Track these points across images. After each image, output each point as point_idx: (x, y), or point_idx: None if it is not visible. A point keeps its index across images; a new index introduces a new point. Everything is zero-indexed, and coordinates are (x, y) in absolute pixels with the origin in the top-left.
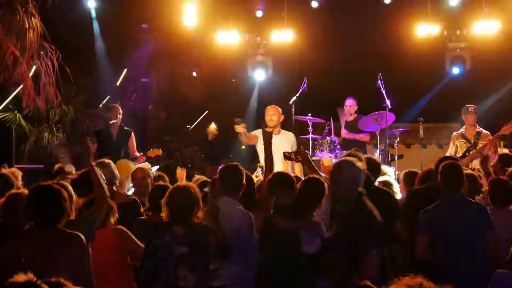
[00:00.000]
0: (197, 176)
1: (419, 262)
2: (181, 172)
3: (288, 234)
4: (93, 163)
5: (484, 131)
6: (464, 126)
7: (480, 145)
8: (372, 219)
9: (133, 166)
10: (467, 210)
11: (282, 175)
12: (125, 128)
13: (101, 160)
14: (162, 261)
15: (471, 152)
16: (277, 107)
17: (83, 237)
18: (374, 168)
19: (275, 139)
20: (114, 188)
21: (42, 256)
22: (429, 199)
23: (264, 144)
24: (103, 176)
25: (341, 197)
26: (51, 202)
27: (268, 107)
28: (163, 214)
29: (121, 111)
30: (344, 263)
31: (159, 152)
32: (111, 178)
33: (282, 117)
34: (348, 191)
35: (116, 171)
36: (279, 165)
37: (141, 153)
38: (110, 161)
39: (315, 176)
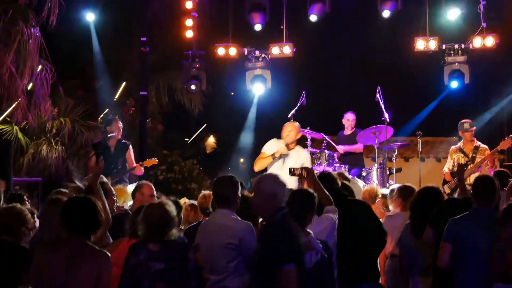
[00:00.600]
0: (185, 199)
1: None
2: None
3: None
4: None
5: (482, 145)
6: (462, 140)
7: (478, 160)
8: (285, 234)
9: (129, 191)
10: (493, 224)
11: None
12: (123, 141)
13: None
14: (138, 280)
15: (469, 166)
16: (296, 124)
17: (109, 254)
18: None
19: (290, 153)
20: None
21: (68, 270)
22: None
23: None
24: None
25: (259, 212)
26: (88, 214)
27: (287, 124)
28: (140, 232)
29: (121, 124)
30: (261, 280)
31: (155, 161)
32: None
33: (299, 135)
34: (266, 205)
35: (111, 189)
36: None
37: (139, 163)
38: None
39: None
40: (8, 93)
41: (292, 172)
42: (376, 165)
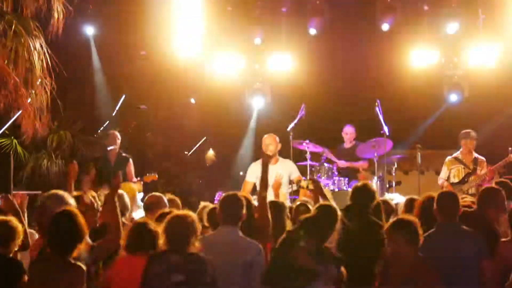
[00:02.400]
0: (203, 203)
1: None
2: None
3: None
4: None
5: (480, 157)
6: (460, 151)
7: (479, 171)
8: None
9: (136, 187)
10: (461, 239)
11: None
12: (123, 154)
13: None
14: None
15: (471, 178)
16: (274, 136)
17: (84, 267)
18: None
19: (271, 168)
20: (124, 220)
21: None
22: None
23: (262, 165)
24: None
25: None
26: (69, 229)
27: (265, 136)
28: (160, 241)
29: (119, 137)
30: None
31: (154, 177)
32: (122, 210)
33: (279, 146)
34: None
35: (128, 203)
36: (271, 195)
37: (138, 179)
38: (123, 192)
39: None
40: (12, 104)
41: (298, 184)
42: (375, 178)
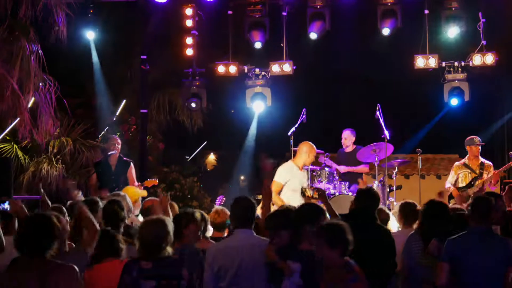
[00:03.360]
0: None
1: None
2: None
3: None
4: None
5: (486, 161)
6: (467, 156)
7: (485, 176)
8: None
9: (140, 192)
10: (491, 244)
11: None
12: (124, 158)
13: (116, 192)
14: None
15: (478, 182)
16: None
17: (76, 268)
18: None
19: (302, 175)
20: (127, 221)
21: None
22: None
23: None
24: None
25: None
26: (42, 232)
27: (310, 145)
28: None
29: (119, 142)
30: None
31: (155, 182)
32: (127, 212)
33: None
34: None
35: (131, 204)
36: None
37: (139, 183)
38: (125, 193)
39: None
40: (11, 109)
41: (303, 193)
42: (376, 182)
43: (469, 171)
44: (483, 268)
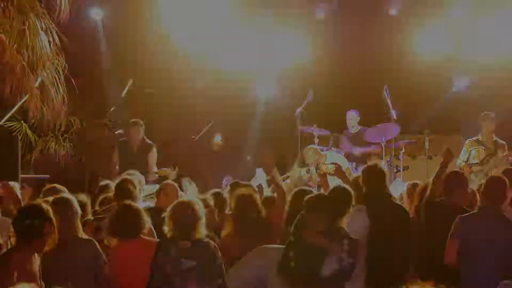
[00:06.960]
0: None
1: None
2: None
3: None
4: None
5: (500, 141)
6: (481, 133)
7: (500, 154)
8: None
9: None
10: (501, 224)
11: None
12: (147, 141)
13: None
14: (169, 277)
15: (492, 159)
16: None
17: (96, 242)
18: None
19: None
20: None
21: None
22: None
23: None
24: None
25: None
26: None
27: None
28: (166, 228)
29: (142, 124)
30: None
31: (167, 172)
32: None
33: None
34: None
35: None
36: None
37: (153, 171)
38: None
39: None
40: (20, 86)
41: (317, 169)
42: (383, 162)
43: (483, 147)
44: (492, 247)
